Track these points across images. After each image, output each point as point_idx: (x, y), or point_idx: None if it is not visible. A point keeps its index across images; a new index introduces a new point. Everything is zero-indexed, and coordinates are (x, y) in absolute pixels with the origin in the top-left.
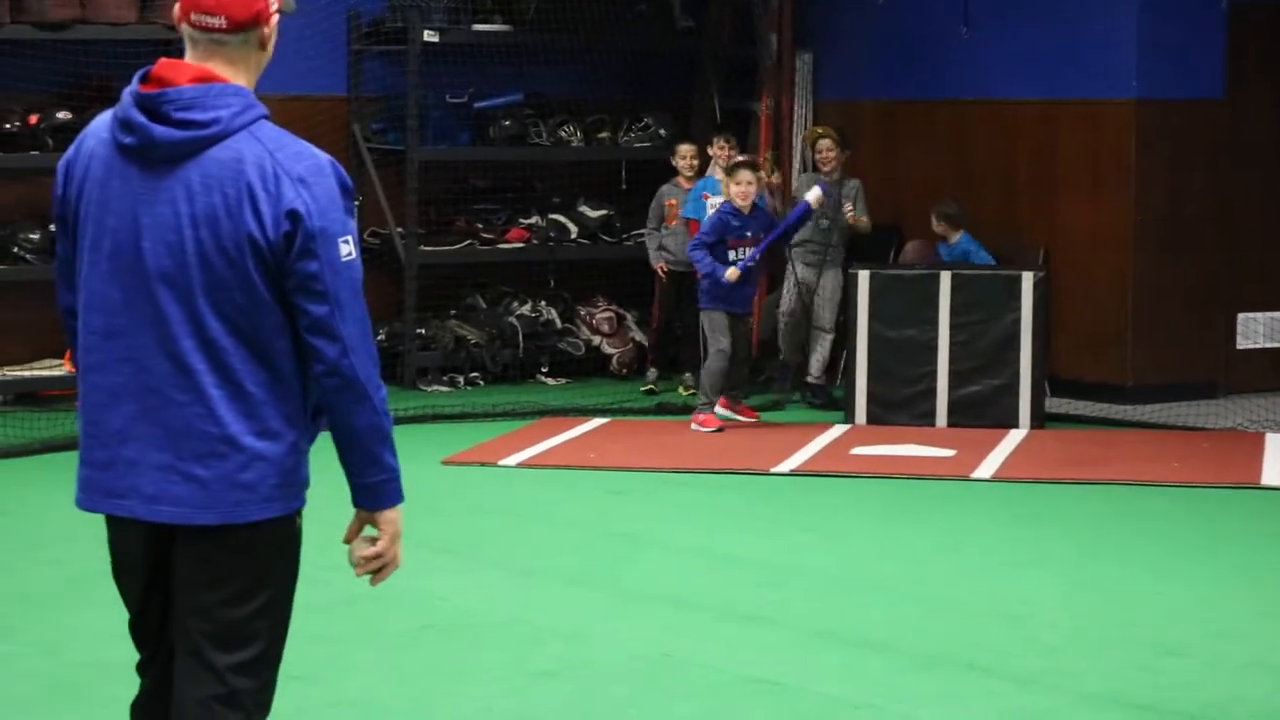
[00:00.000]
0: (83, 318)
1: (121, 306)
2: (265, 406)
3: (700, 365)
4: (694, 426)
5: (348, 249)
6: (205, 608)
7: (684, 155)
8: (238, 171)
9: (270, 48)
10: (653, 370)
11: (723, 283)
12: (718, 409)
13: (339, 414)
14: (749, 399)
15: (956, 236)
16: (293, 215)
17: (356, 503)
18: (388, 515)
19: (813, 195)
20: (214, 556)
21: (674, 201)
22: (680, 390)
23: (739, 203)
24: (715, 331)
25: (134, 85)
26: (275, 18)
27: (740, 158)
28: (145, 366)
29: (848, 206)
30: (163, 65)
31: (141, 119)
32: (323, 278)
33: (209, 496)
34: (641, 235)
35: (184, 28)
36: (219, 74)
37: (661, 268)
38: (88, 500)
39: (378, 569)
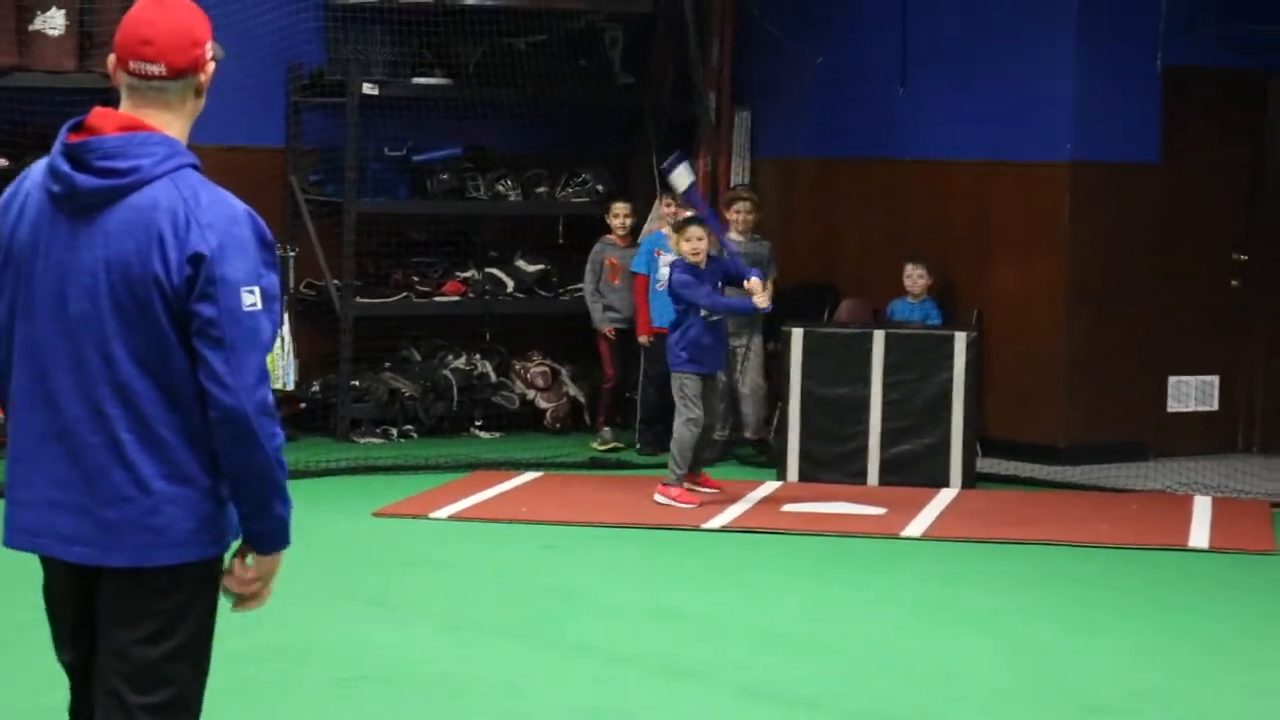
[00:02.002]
0: (15, 357)
1: (45, 349)
2: (179, 451)
3: (636, 422)
4: (661, 500)
5: (251, 299)
6: (121, 647)
7: (618, 214)
8: (150, 218)
9: (204, 96)
10: (607, 430)
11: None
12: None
13: (231, 461)
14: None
15: (925, 296)
16: (195, 259)
17: (244, 540)
18: (270, 557)
19: (760, 299)
20: (130, 596)
21: (614, 260)
22: (595, 445)
23: (691, 259)
24: (688, 399)
25: (63, 134)
26: (211, 66)
27: (688, 213)
28: (62, 408)
29: (755, 285)
30: (94, 114)
31: (66, 168)
32: (219, 324)
33: (117, 539)
34: (578, 290)
35: (121, 75)
36: (149, 122)
37: (610, 331)
38: (12, 538)
39: (244, 598)
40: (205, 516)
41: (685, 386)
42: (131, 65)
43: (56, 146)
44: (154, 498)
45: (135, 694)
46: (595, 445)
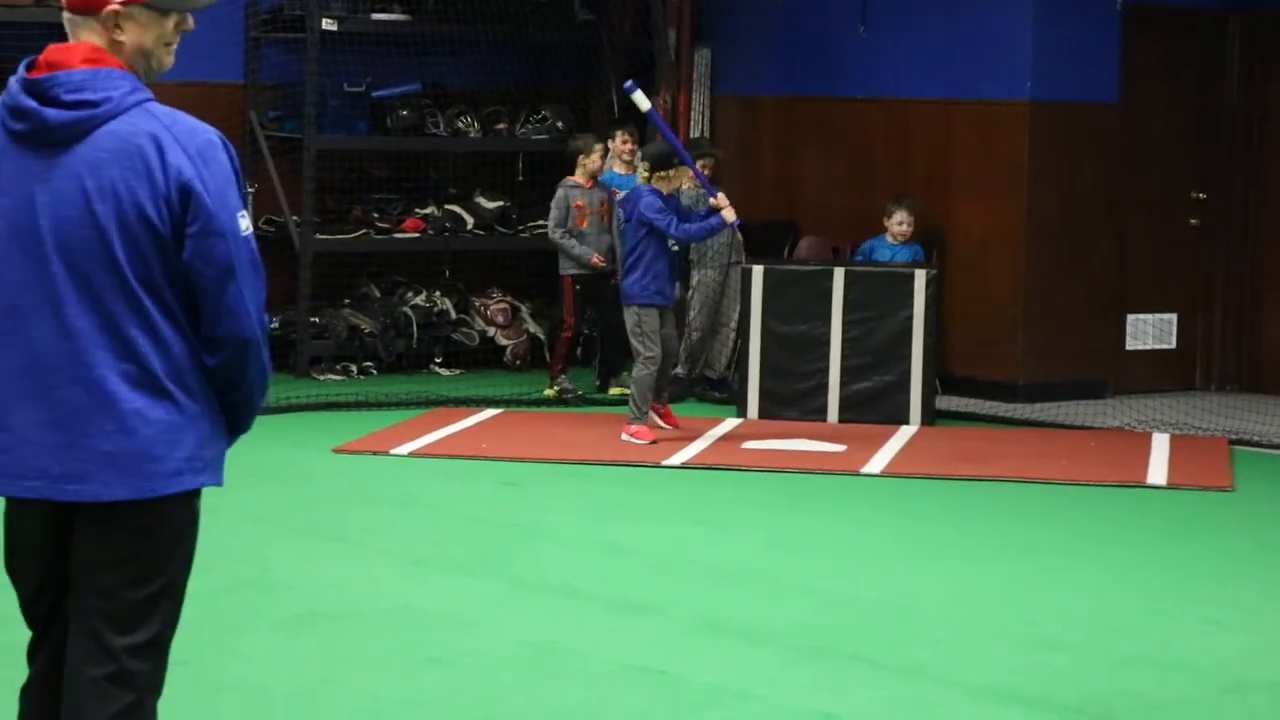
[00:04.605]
0: None
1: (15, 286)
2: (166, 379)
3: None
4: (624, 437)
5: (245, 224)
6: (107, 588)
7: (598, 153)
8: (134, 145)
9: (132, 40)
10: (564, 378)
11: (703, 230)
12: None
13: (228, 378)
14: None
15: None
16: (184, 186)
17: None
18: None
19: (729, 213)
20: (118, 535)
21: (581, 203)
22: (548, 392)
23: (666, 189)
24: (646, 336)
25: (21, 72)
26: (121, 8)
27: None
28: (41, 344)
29: (723, 199)
30: (52, 50)
31: (32, 104)
32: (221, 252)
33: (114, 472)
34: (538, 227)
35: None
36: (106, 54)
37: (597, 260)
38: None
39: None
40: (194, 445)
41: (645, 323)
42: None
43: (13, 85)
44: (149, 427)
45: (117, 635)
46: (548, 393)
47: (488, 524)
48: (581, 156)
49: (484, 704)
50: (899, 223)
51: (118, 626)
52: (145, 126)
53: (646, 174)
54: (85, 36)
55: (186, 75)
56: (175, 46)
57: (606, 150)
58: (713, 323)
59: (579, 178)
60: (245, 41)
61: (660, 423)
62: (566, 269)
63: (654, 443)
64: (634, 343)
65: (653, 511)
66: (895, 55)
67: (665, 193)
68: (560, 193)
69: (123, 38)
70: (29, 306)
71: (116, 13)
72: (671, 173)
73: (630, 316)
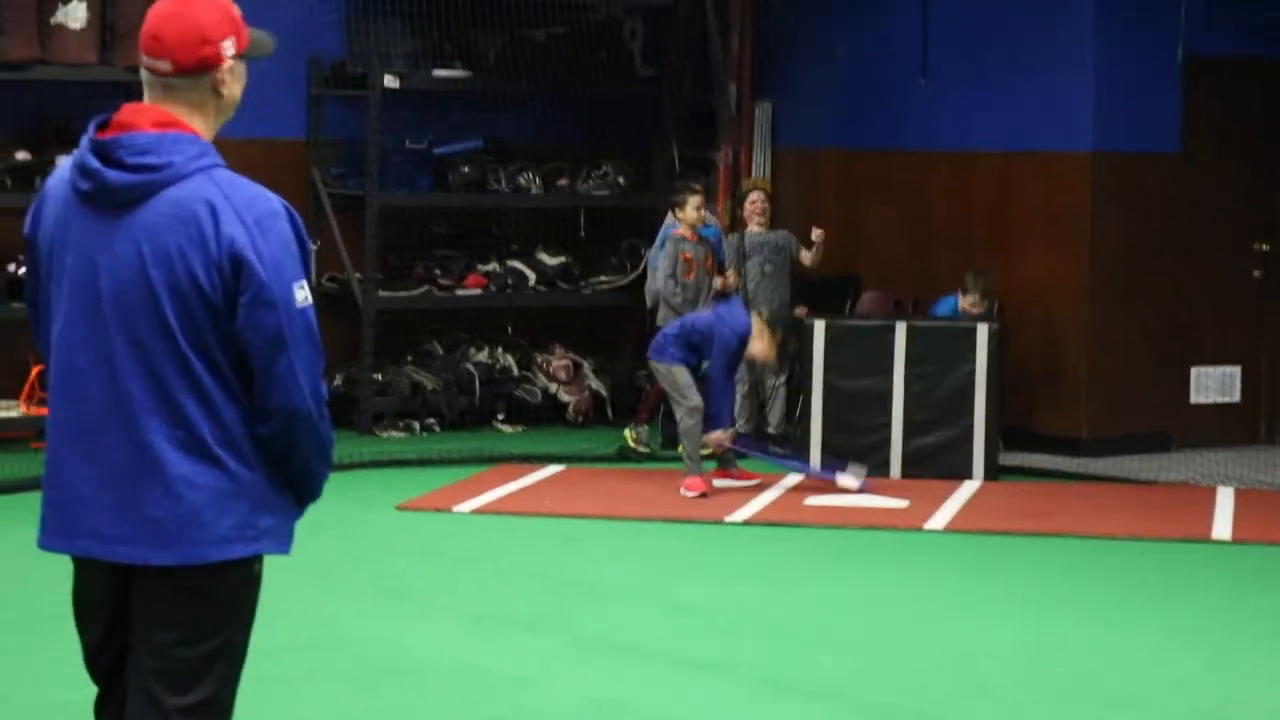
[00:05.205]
0: (49, 356)
1: (78, 345)
2: (218, 446)
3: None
4: (683, 492)
5: (303, 295)
6: (159, 648)
7: (691, 204)
8: (190, 212)
9: (230, 92)
10: (645, 428)
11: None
12: (716, 482)
13: (285, 448)
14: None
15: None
16: (238, 256)
17: None
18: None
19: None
20: (170, 596)
21: (688, 255)
22: (628, 435)
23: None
24: (682, 389)
25: (91, 131)
26: (230, 63)
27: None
28: (97, 405)
29: (809, 253)
30: (125, 110)
31: (96, 164)
32: (274, 324)
33: (161, 537)
34: (600, 282)
35: (142, 69)
36: (179, 118)
37: None
38: (49, 540)
39: None
40: (247, 512)
41: (678, 375)
42: (144, 60)
43: (84, 143)
44: (196, 494)
45: (171, 695)
46: (628, 435)
47: (549, 581)
48: (677, 210)
49: None
50: (971, 303)
51: (171, 686)
52: (204, 193)
53: (759, 317)
54: (180, 97)
55: (248, 133)
56: None
57: (701, 200)
58: (750, 378)
59: (682, 230)
60: (307, 99)
61: (738, 484)
62: (668, 319)
63: (704, 494)
64: (671, 395)
65: (715, 568)
66: (956, 107)
67: (753, 341)
68: (669, 245)
69: (225, 90)
70: (87, 367)
71: (230, 68)
72: (769, 335)
73: (661, 371)
